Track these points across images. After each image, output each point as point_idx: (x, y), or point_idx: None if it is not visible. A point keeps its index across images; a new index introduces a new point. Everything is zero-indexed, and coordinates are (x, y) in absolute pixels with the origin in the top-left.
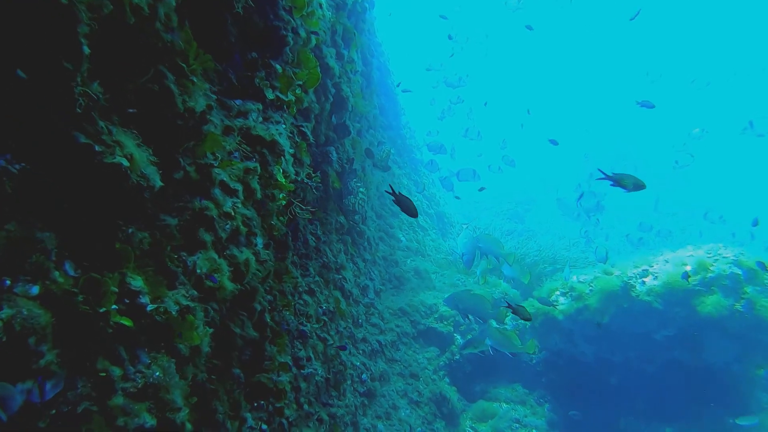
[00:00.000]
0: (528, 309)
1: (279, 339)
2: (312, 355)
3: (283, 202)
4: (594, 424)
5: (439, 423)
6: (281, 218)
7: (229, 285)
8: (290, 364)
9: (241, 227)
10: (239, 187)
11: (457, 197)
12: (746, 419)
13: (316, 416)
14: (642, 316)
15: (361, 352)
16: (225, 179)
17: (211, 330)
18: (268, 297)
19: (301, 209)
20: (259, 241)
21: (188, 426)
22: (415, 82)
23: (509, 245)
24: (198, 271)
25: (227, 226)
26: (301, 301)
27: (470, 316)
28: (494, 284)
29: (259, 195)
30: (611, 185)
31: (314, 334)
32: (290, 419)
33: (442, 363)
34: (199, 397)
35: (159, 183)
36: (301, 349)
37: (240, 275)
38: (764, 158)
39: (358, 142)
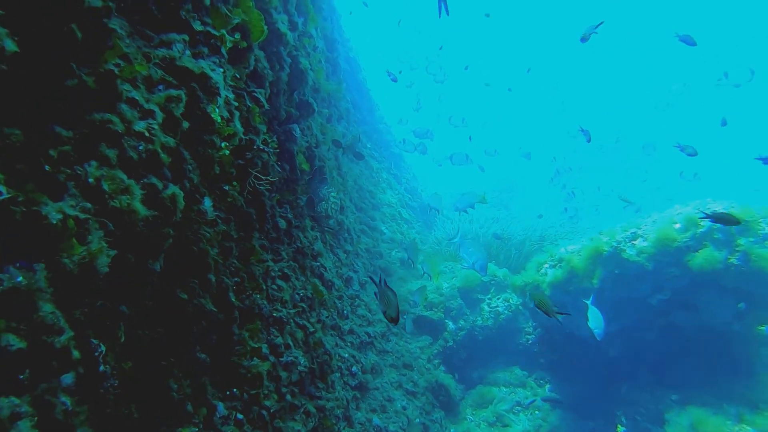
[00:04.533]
0: (517, 283)
1: (250, 324)
2: (291, 343)
3: (227, 152)
4: (595, 398)
5: (438, 412)
6: (234, 183)
7: (142, 209)
8: (266, 351)
9: (163, 155)
10: (155, 108)
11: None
12: None
13: (302, 409)
14: (635, 280)
15: (349, 344)
16: (137, 98)
17: (114, 252)
18: (235, 279)
19: (260, 179)
20: (207, 201)
21: (75, 353)
22: (385, 79)
23: (495, 229)
24: (90, 180)
25: (140, 147)
26: (275, 287)
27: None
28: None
29: (185, 125)
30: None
31: (292, 320)
32: (271, 410)
33: (435, 351)
34: (136, 363)
35: (14, 47)
36: (278, 336)
37: (167, 211)
38: (738, 112)
39: (328, 129)
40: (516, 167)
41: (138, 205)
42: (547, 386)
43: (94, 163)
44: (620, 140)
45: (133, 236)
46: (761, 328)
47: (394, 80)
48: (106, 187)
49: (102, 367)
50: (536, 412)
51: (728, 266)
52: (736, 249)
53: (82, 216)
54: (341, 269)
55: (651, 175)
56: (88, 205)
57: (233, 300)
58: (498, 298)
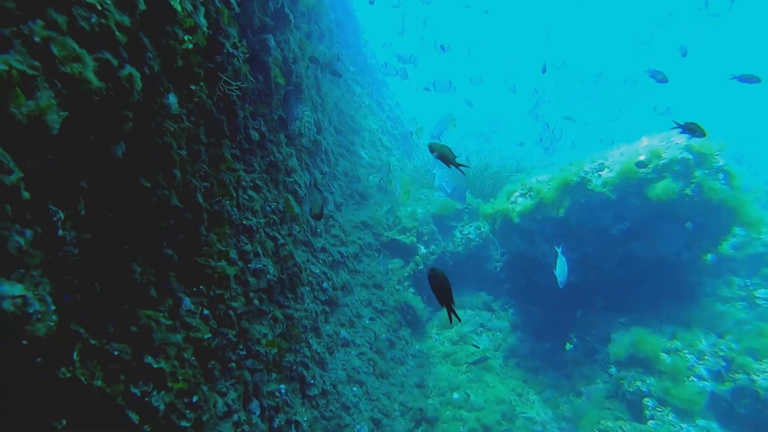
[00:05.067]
0: (488, 211)
1: (219, 228)
2: (260, 251)
3: (189, 45)
4: (554, 322)
5: (405, 330)
6: (201, 84)
7: (95, 80)
8: (235, 257)
9: (118, 33)
10: None
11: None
12: None
13: (270, 315)
14: (599, 210)
15: (321, 261)
16: None
17: (66, 113)
18: (204, 183)
19: (229, 84)
20: (172, 97)
21: (25, 194)
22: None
23: (474, 161)
24: (36, 39)
25: (92, 20)
26: (246, 196)
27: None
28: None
29: (142, 6)
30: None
31: (262, 230)
32: (238, 311)
33: (406, 273)
34: (98, 240)
35: None
36: (247, 244)
37: (124, 91)
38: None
39: (307, 45)
40: (500, 100)
41: (90, 75)
42: (511, 311)
43: (39, 22)
44: (602, 74)
45: (89, 110)
46: (706, 257)
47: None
48: (56, 51)
49: (60, 232)
50: (497, 333)
51: (683, 197)
52: (692, 181)
53: (29, 72)
54: None
55: (628, 109)
56: (36, 63)
57: (201, 202)
58: (470, 226)
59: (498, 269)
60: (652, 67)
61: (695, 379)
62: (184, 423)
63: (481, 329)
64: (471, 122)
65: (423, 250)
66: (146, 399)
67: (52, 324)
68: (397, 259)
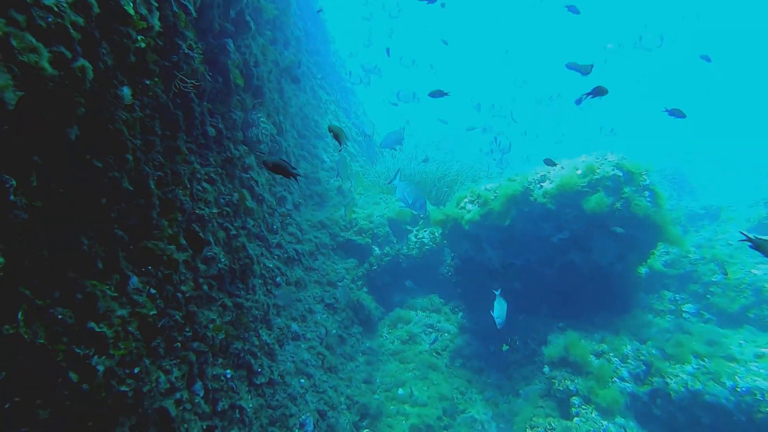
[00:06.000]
0: (438, 217)
1: (171, 214)
2: (212, 240)
3: (142, 44)
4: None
5: (356, 328)
6: (156, 80)
7: (49, 68)
8: (185, 244)
9: (72, 31)
10: None
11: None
12: None
13: (219, 302)
14: (540, 219)
15: (276, 257)
16: None
17: (22, 93)
18: (158, 173)
19: (184, 81)
20: (126, 90)
21: None
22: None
23: (433, 169)
24: None
25: (49, 19)
26: (200, 187)
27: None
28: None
29: (96, 9)
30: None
31: (215, 220)
32: (187, 294)
33: (360, 273)
34: (48, 209)
35: None
36: (199, 232)
37: (77, 80)
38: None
39: (270, 51)
40: (466, 115)
41: (45, 64)
42: (460, 314)
43: (2, 20)
44: (558, 96)
45: (44, 94)
46: (640, 271)
47: None
48: (14, 43)
49: (12, 197)
50: (445, 334)
51: (614, 210)
52: (622, 196)
53: None
54: (275, 188)
55: (576, 129)
56: None
57: (153, 188)
58: (425, 231)
59: (450, 273)
60: (668, 107)
61: (618, 381)
62: (124, 388)
63: (430, 329)
64: (436, 135)
65: (378, 251)
66: (87, 361)
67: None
68: (351, 259)
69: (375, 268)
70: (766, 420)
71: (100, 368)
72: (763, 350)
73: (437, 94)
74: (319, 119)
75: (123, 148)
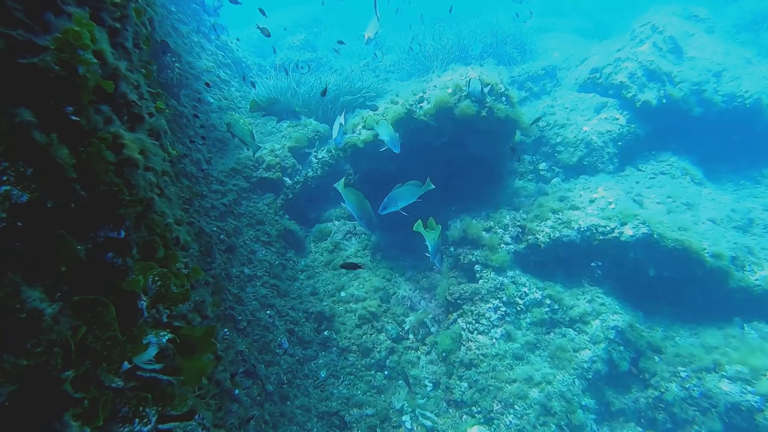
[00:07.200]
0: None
1: None
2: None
3: None
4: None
5: (290, 252)
6: None
7: None
8: None
9: None
10: None
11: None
12: None
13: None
14: (424, 131)
15: (213, 218)
16: None
17: None
18: None
19: None
20: None
21: None
22: None
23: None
24: None
25: None
26: None
27: None
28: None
29: None
30: None
31: None
32: None
33: (279, 204)
34: None
35: None
36: None
37: None
38: None
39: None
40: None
41: None
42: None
43: None
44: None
45: None
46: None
47: None
48: None
49: None
50: (362, 236)
51: (480, 117)
52: (485, 104)
53: None
54: (176, 146)
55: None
56: None
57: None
58: (322, 150)
59: (353, 181)
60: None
61: (504, 246)
62: None
63: (350, 235)
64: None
65: (288, 181)
66: None
67: None
68: (268, 194)
69: (291, 197)
70: (600, 245)
71: None
72: (594, 195)
73: None
74: (190, 59)
75: None
